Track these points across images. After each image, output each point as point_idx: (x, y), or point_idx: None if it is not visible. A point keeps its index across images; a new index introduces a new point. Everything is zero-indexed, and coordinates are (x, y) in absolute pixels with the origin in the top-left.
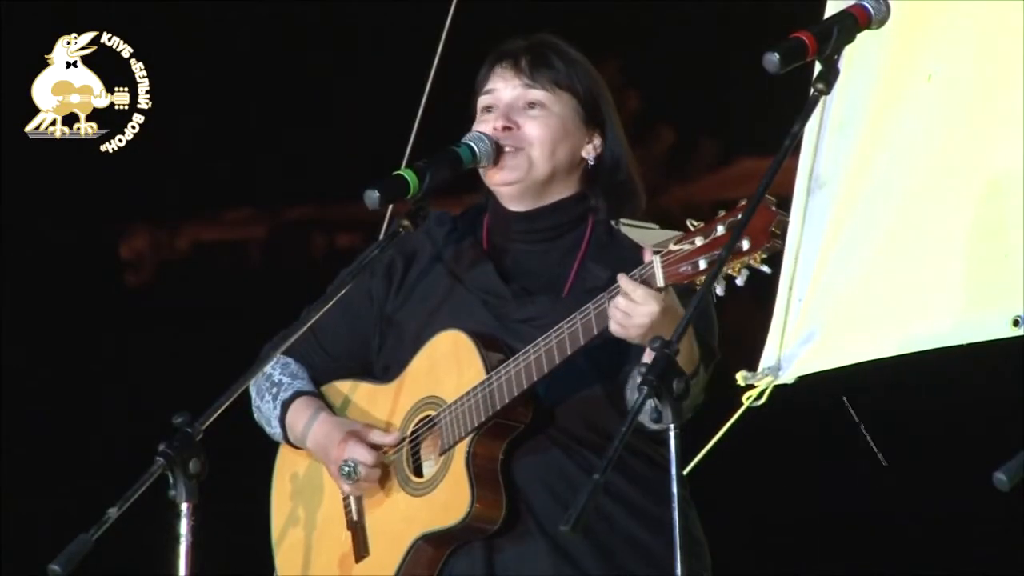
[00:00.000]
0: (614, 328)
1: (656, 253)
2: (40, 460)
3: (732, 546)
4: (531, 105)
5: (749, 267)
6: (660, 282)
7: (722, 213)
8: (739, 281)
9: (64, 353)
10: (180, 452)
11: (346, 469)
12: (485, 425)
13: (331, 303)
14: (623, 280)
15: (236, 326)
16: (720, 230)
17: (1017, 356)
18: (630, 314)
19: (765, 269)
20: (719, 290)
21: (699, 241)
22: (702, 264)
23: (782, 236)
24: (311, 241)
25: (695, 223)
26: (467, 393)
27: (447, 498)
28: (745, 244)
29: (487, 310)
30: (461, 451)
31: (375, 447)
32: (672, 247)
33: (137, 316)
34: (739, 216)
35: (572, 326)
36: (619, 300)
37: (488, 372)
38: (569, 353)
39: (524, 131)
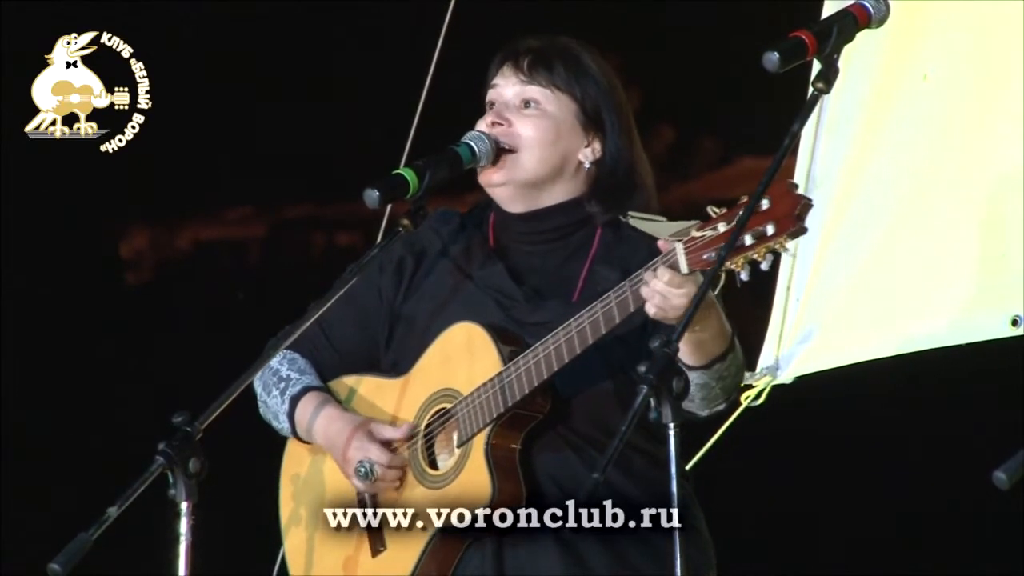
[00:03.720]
0: (652, 311)
1: (679, 241)
2: (40, 460)
3: (731, 546)
4: (526, 103)
5: (774, 251)
6: (684, 269)
7: (744, 199)
8: (764, 266)
9: (64, 353)
10: (180, 451)
11: (362, 470)
12: (503, 416)
13: (333, 300)
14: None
15: (236, 326)
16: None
17: (1017, 356)
18: (668, 296)
19: (789, 247)
20: (744, 275)
21: (722, 227)
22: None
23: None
24: (311, 240)
25: (716, 210)
26: (484, 385)
27: (467, 490)
28: (771, 229)
29: (500, 309)
30: (480, 442)
31: (387, 444)
32: (695, 234)
33: (137, 316)
34: (764, 203)
35: (593, 315)
36: (656, 283)
37: (505, 363)
38: (591, 342)
39: (516, 129)
